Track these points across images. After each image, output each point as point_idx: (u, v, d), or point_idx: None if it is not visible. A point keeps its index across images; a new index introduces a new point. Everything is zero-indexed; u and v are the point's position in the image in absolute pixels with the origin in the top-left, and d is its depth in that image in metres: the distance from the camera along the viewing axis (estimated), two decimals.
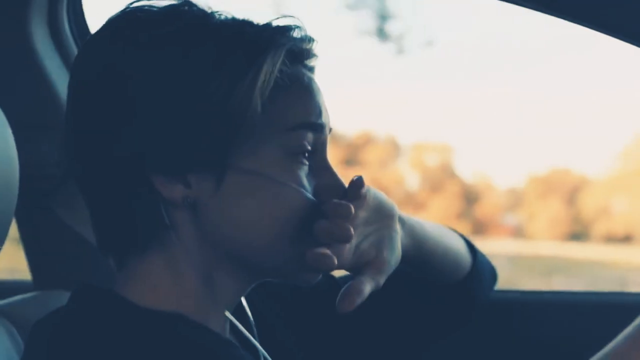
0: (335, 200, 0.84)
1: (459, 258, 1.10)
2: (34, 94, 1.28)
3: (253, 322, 0.93)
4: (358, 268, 0.89)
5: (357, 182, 0.88)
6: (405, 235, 0.96)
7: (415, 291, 1.11)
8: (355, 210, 0.85)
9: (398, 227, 0.94)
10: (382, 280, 0.89)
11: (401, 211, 0.95)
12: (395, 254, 0.91)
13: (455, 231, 1.14)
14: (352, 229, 0.82)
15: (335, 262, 0.83)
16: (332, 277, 1.10)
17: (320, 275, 0.88)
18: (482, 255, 1.15)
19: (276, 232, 0.82)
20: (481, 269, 1.15)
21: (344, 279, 1.10)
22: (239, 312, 0.92)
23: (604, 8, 0.87)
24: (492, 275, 1.20)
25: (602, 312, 1.33)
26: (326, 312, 1.06)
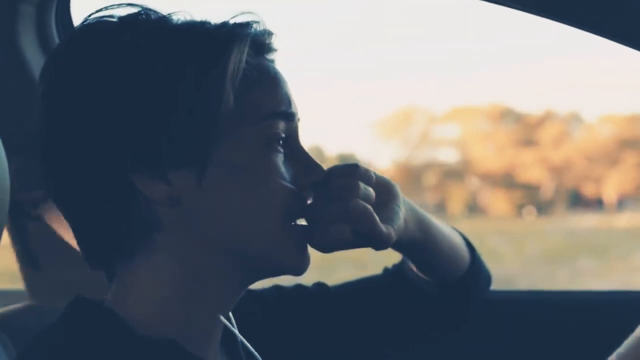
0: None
1: (460, 252, 1.11)
2: (25, 106, 1.27)
3: (235, 325, 0.93)
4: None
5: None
6: (410, 216, 0.98)
7: (414, 288, 1.11)
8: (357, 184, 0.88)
9: (402, 205, 0.95)
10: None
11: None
12: (396, 224, 0.92)
13: (455, 229, 1.15)
14: (371, 190, 0.88)
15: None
16: (324, 284, 1.10)
17: (309, 261, 0.88)
18: (479, 256, 1.16)
19: (260, 220, 0.83)
20: (479, 267, 1.15)
21: (335, 287, 1.10)
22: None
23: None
24: (488, 276, 1.20)
25: (601, 310, 1.34)
26: (318, 316, 1.07)
